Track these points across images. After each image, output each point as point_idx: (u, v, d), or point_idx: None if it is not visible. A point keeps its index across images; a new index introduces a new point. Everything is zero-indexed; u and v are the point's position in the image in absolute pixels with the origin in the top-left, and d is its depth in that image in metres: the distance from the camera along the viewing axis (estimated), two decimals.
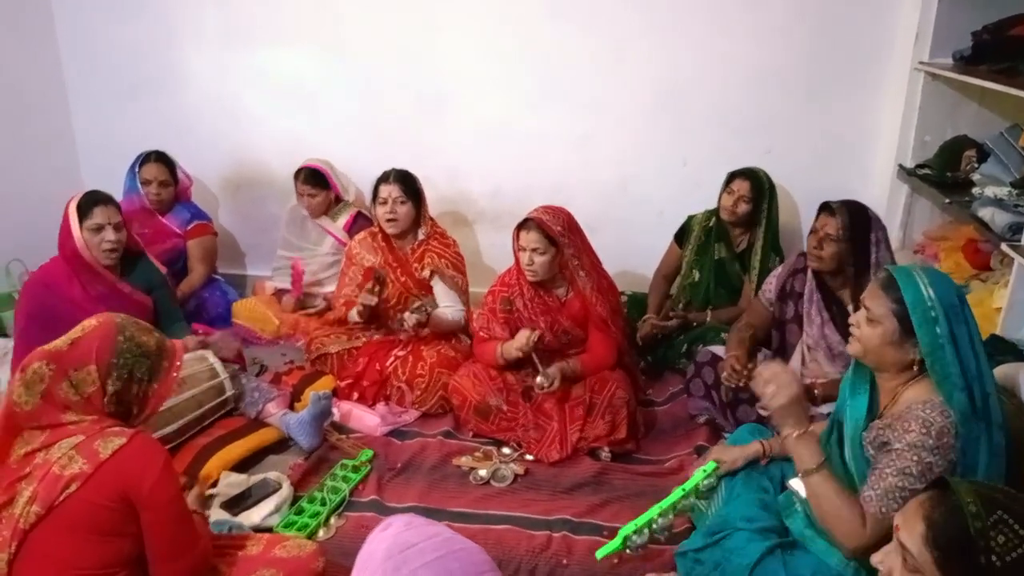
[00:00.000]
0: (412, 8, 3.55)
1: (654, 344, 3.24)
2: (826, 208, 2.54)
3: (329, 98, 3.77)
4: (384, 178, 3.09)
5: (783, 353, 2.72)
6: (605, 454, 2.67)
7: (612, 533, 2.25)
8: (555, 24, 3.46)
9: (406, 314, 2.98)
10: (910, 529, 1.21)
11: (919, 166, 3.24)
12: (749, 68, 3.38)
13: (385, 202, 3.05)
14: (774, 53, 3.35)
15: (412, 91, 3.68)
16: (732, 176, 3.20)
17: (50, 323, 2.55)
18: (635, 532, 1.99)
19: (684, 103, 3.48)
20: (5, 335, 3.29)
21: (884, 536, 1.47)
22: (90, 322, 1.68)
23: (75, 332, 1.66)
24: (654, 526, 2.01)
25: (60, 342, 1.64)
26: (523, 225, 2.71)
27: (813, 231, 2.56)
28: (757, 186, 3.17)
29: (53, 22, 3.86)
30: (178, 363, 1.74)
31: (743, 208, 3.16)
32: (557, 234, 2.66)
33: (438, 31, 3.57)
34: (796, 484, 1.85)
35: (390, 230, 3.10)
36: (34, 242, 3.15)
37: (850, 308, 2.51)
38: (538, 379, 2.66)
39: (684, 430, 2.83)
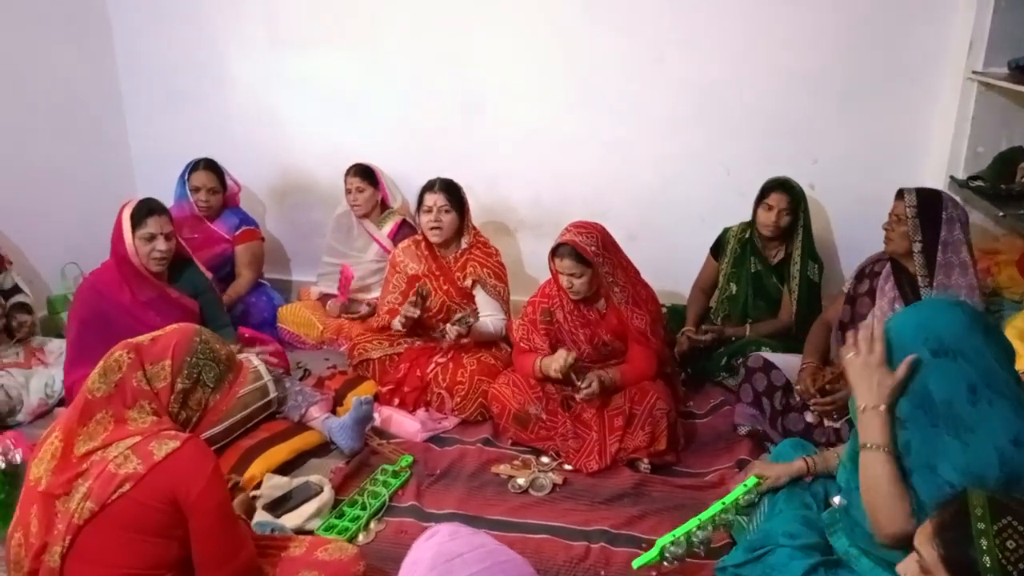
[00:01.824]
0: (453, 16, 3.59)
1: (693, 357, 3.21)
2: (898, 194, 2.61)
3: (372, 106, 3.83)
4: (429, 187, 3.13)
5: (851, 325, 2.67)
6: (644, 465, 2.65)
7: (651, 545, 2.24)
8: (594, 30, 3.46)
9: (448, 326, 3.01)
10: (922, 530, 1.24)
11: (971, 178, 3.16)
12: (793, 75, 3.34)
13: (430, 210, 3.08)
14: (820, 60, 3.30)
15: (453, 99, 3.71)
16: (767, 190, 3.15)
17: (102, 327, 2.64)
18: (672, 543, 1.97)
19: (725, 109, 3.45)
20: (60, 336, 3.40)
21: None
22: (172, 326, 1.76)
23: (157, 331, 1.74)
24: (693, 539, 1.99)
25: (143, 337, 1.71)
26: (556, 251, 2.70)
27: (888, 218, 2.63)
28: (794, 197, 3.13)
29: (111, 32, 3.99)
30: (241, 380, 1.80)
31: (785, 221, 3.12)
32: (591, 255, 2.65)
33: (478, 39, 3.61)
34: (841, 502, 1.82)
35: (434, 239, 3.13)
36: (89, 245, 3.25)
37: (923, 291, 2.50)
38: (581, 389, 2.65)
39: (725, 443, 2.79)
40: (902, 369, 1.58)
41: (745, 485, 2.09)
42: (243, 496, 2.02)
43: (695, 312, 3.34)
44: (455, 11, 3.58)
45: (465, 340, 3.06)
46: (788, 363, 2.79)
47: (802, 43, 3.30)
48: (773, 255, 3.25)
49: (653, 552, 1.97)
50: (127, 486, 1.55)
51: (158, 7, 3.89)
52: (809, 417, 2.64)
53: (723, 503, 2.07)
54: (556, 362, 2.67)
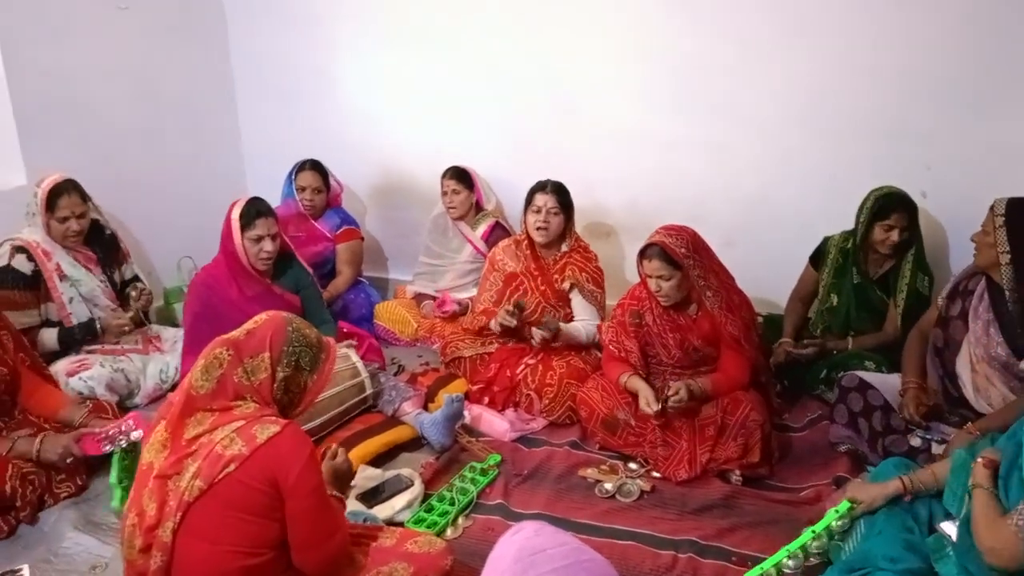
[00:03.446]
0: (551, 20, 3.61)
1: (790, 368, 3.10)
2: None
3: (471, 110, 3.89)
4: (541, 187, 3.15)
5: (947, 351, 2.55)
6: (736, 477, 2.59)
7: (740, 560, 2.19)
8: (695, 32, 3.40)
9: (534, 329, 3.03)
10: None
11: None
12: (906, 76, 3.16)
13: (539, 210, 3.11)
14: (938, 60, 3.10)
15: (550, 102, 3.73)
16: (887, 208, 2.96)
17: (213, 320, 2.79)
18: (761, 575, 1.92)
19: (831, 112, 3.31)
20: (176, 325, 3.61)
21: None
22: (261, 316, 1.83)
23: (249, 324, 1.81)
24: (784, 570, 1.93)
25: (237, 332, 1.79)
26: (644, 253, 2.67)
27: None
28: (913, 213, 2.98)
29: (228, 37, 4.23)
30: (332, 357, 1.87)
31: (904, 238, 2.97)
32: (681, 257, 2.59)
33: (576, 42, 3.61)
34: (948, 527, 1.73)
35: (539, 239, 3.15)
36: (202, 240, 3.42)
37: (1012, 307, 2.35)
38: (669, 398, 2.60)
39: (822, 458, 2.70)
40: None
41: (837, 510, 2.01)
42: (342, 460, 2.03)
43: (793, 323, 3.23)
44: (555, 15, 3.60)
45: (557, 344, 3.06)
46: (886, 383, 2.66)
47: (917, 42, 3.12)
48: (879, 268, 3.11)
49: None
50: (232, 466, 1.64)
51: (272, 12, 4.08)
52: (915, 441, 2.51)
53: (814, 531, 2.00)
54: (643, 402, 2.62)
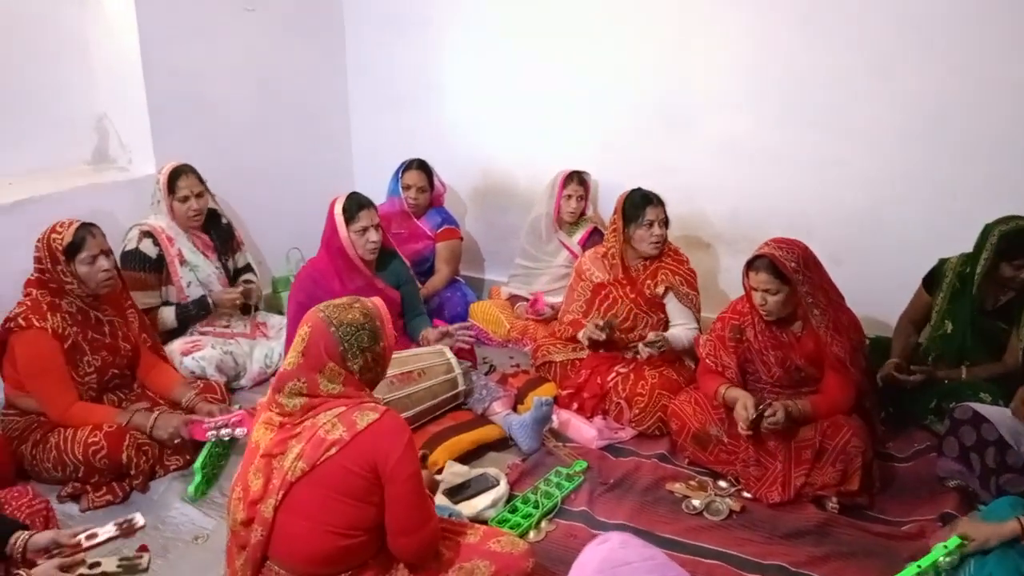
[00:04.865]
0: (661, 27, 3.58)
1: (897, 394, 2.95)
2: None
3: (573, 116, 3.91)
4: (649, 200, 3.12)
5: None
6: (832, 504, 2.49)
7: None
8: (812, 43, 3.30)
9: (641, 346, 3.00)
10: None
11: None
12: None
13: (652, 224, 3.09)
14: None
15: (655, 110, 3.70)
16: (1018, 248, 2.74)
17: None
18: None
19: (956, 128, 3.14)
20: (281, 312, 3.77)
21: None
22: (303, 329, 1.82)
23: (298, 344, 1.81)
24: None
25: (294, 359, 1.81)
26: (752, 264, 2.59)
27: None
28: None
29: (344, 42, 4.39)
30: (385, 314, 1.88)
31: None
32: (791, 271, 2.51)
33: (685, 49, 3.57)
34: None
35: (655, 252, 3.13)
36: (310, 232, 3.56)
37: None
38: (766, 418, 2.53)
39: (928, 492, 2.56)
40: None
41: (946, 546, 1.90)
42: (428, 472, 2.14)
43: (902, 344, 3.06)
44: (664, 23, 3.57)
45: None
46: (1002, 416, 2.49)
47: None
48: (1000, 295, 2.91)
49: None
50: (334, 450, 1.71)
51: (386, 19, 4.22)
52: None
53: (919, 566, 1.89)
54: (740, 420, 2.55)
